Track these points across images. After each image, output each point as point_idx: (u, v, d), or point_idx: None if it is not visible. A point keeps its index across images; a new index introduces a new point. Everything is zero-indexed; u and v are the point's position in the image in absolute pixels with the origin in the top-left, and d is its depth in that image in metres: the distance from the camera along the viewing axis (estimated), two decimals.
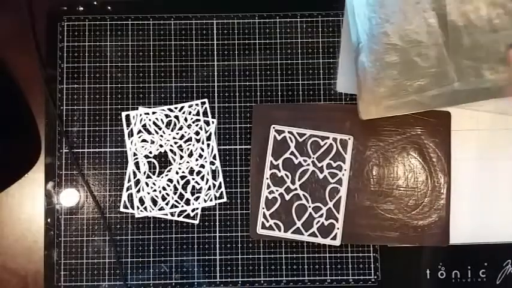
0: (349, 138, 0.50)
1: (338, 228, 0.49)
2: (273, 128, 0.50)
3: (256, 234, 0.49)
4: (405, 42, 0.47)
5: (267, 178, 0.50)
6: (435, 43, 0.47)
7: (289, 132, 0.50)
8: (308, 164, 0.50)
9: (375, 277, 0.50)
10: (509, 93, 0.48)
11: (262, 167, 0.50)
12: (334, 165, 0.50)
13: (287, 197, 0.50)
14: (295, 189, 0.50)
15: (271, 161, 0.50)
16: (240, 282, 0.50)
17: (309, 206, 0.50)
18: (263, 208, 0.50)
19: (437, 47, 0.47)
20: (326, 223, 0.49)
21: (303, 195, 0.50)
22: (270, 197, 0.50)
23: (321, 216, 0.50)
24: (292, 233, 0.49)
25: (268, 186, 0.50)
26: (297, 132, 0.50)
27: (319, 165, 0.50)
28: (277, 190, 0.50)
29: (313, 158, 0.50)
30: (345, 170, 0.50)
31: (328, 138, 0.50)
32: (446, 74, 0.47)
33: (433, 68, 0.47)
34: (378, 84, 0.47)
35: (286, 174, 0.50)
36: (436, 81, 0.47)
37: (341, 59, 0.52)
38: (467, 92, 0.48)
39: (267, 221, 0.49)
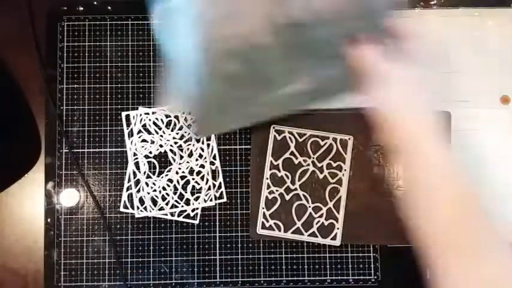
0: (349, 138, 0.50)
1: (338, 228, 0.49)
2: (273, 128, 0.50)
3: (256, 234, 0.49)
4: (234, 50, 0.40)
5: (267, 178, 0.50)
6: (260, 46, 0.40)
7: (289, 132, 0.50)
8: (308, 164, 0.50)
9: (375, 277, 0.50)
10: (349, 90, 0.42)
11: (262, 167, 0.50)
12: (334, 165, 0.50)
13: (287, 197, 0.50)
14: (295, 189, 0.50)
15: (271, 161, 0.50)
16: (240, 282, 0.50)
17: (309, 206, 0.50)
18: (263, 208, 0.50)
19: (263, 50, 0.40)
20: (326, 223, 0.49)
21: (303, 195, 0.50)
22: (270, 197, 0.50)
23: (321, 216, 0.50)
24: (292, 233, 0.49)
25: (268, 186, 0.50)
26: (297, 132, 0.50)
27: (319, 165, 0.50)
28: (277, 190, 0.50)
29: (313, 158, 0.50)
30: (345, 170, 0.50)
31: (328, 138, 0.50)
32: (275, 79, 0.42)
33: (257, 73, 0.41)
34: (208, 98, 0.43)
35: (286, 174, 0.50)
36: (261, 89, 0.42)
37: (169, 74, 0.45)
38: (303, 95, 0.43)
39: (267, 221, 0.49)
